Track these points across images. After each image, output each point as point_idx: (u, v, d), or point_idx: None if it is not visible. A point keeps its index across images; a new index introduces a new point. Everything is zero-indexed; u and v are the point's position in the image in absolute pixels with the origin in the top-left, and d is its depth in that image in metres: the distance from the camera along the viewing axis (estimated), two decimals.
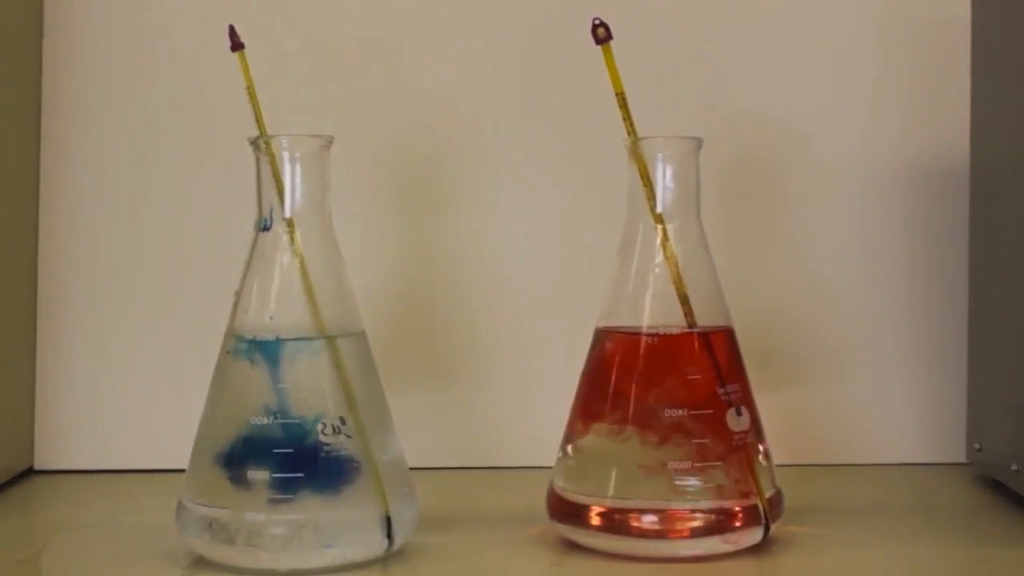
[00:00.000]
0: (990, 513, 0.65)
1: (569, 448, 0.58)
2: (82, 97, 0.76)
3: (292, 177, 0.56)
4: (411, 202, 0.77)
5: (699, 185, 0.59)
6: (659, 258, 0.57)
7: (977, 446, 0.70)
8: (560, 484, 0.58)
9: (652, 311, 0.57)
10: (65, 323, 0.76)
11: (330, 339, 0.55)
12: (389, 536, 0.55)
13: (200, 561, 0.55)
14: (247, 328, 0.55)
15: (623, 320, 0.58)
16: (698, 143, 0.58)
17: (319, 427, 0.54)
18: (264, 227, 0.56)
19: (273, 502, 0.53)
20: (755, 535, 0.57)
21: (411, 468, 0.58)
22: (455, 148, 0.77)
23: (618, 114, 0.57)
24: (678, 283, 0.57)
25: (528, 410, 0.76)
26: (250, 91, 0.58)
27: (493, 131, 0.77)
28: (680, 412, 0.55)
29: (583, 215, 0.76)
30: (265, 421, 0.53)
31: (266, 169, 0.56)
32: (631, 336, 0.57)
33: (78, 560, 0.58)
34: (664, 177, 0.58)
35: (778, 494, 0.58)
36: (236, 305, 0.56)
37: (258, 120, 0.57)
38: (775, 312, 0.77)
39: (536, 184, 0.77)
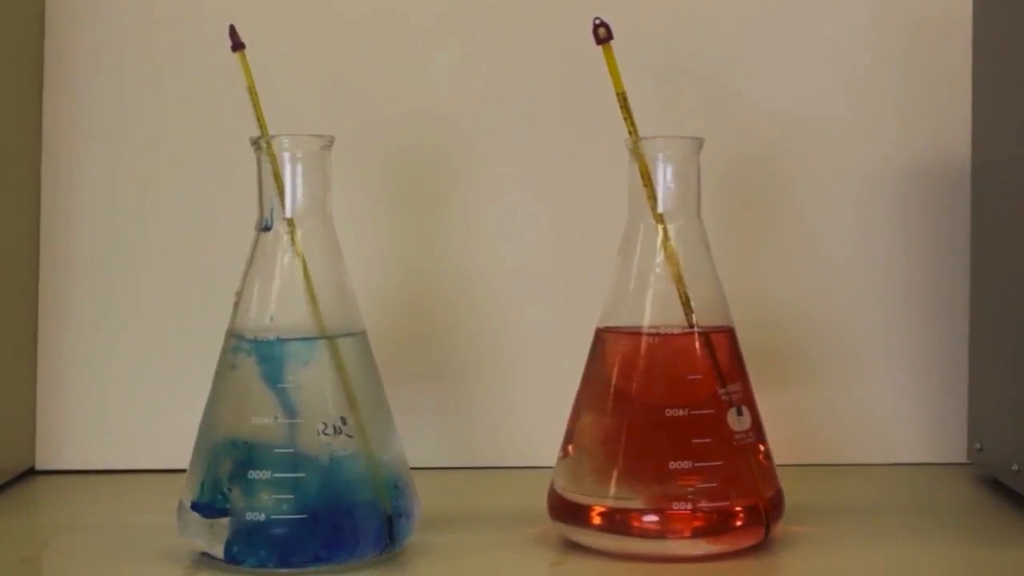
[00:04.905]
0: (991, 513, 0.65)
1: (570, 448, 0.59)
2: (83, 97, 0.76)
3: (293, 177, 0.56)
4: (412, 202, 0.77)
5: (700, 185, 0.59)
6: (660, 258, 0.57)
7: (978, 446, 0.70)
8: (561, 484, 0.58)
9: (653, 311, 0.57)
10: (66, 323, 0.76)
11: (331, 339, 0.55)
12: (390, 536, 0.55)
13: (200, 561, 0.55)
14: (248, 328, 0.55)
15: (624, 320, 0.58)
16: (699, 143, 0.58)
17: (320, 427, 0.54)
18: (265, 227, 0.56)
19: (274, 502, 0.53)
20: (755, 535, 0.57)
21: (411, 468, 0.58)
22: (456, 148, 0.77)
23: (619, 114, 0.57)
24: (679, 283, 0.57)
25: (528, 410, 0.76)
26: (251, 91, 0.58)
27: (494, 131, 0.77)
28: (681, 412, 0.55)
29: (584, 215, 0.76)
30: (266, 421, 0.53)
31: (267, 169, 0.56)
32: (632, 336, 0.57)
33: (78, 560, 0.58)
34: (665, 177, 0.58)
35: (778, 494, 0.58)
36: (237, 305, 0.56)
37: (259, 120, 0.57)
38: (776, 312, 0.77)
39: (537, 184, 0.77)
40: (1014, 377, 0.65)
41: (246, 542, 0.53)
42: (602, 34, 0.57)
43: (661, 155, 0.58)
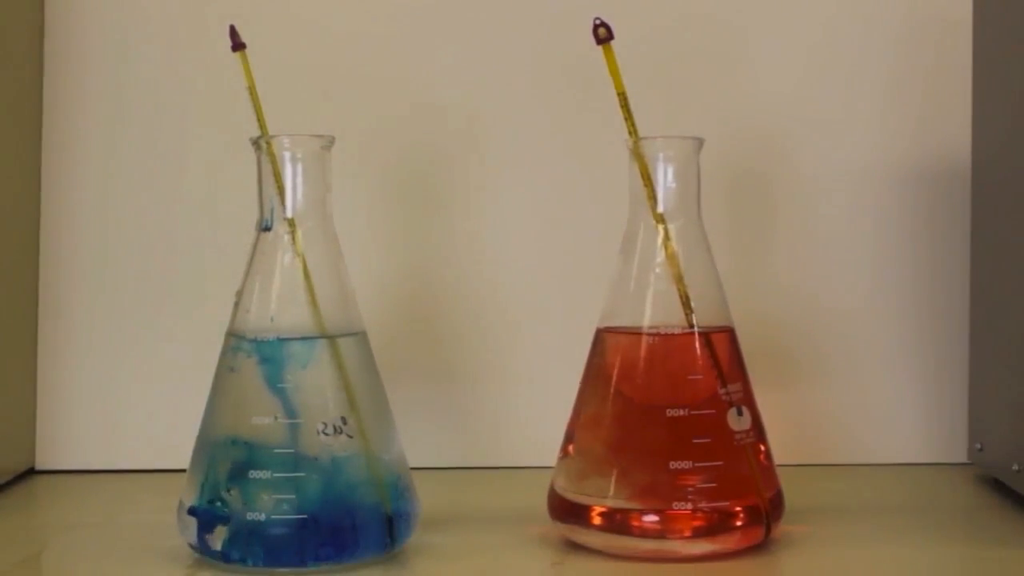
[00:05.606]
0: (991, 513, 0.65)
1: (570, 448, 0.58)
2: (83, 98, 0.76)
3: (293, 177, 0.56)
4: (412, 202, 0.77)
5: (700, 185, 0.59)
6: (660, 258, 0.57)
7: (978, 446, 0.70)
8: (561, 484, 0.58)
9: (653, 311, 0.57)
10: (66, 324, 0.76)
11: (331, 339, 0.55)
12: (390, 536, 0.55)
13: (200, 561, 0.55)
14: (248, 328, 0.55)
15: (624, 320, 0.58)
16: (699, 143, 0.58)
17: (320, 427, 0.54)
18: (265, 227, 0.56)
19: (274, 502, 0.53)
20: (755, 535, 0.57)
21: (411, 468, 0.58)
22: (457, 148, 0.77)
23: (619, 114, 0.57)
24: (679, 283, 0.57)
25: (528, 410, 0.76)
26: (251, 91, 0.58)
27: (494, 131, 0.77)
28: (681, 412, 0.55)
29: (584, 215, 0.76)
30: (266, 421, 0.53)
31: (267, 169, 0.56)
32: (632, 336, 0.57)
33: (78, 560, 0.58)
34: (665, 177, 0.58)
35: (778, 494, 0.58)
36: (237, 305, 0.56)
37: (259, 120, 0.57)
38: (776, 312, 0.77)
39: (537, 184, 0.77)
40: (1014, 377, 0.65)
41: (246, 542, 0.53)
42: (602, 34, 0.57)
43: (661, 155, 0.57)
